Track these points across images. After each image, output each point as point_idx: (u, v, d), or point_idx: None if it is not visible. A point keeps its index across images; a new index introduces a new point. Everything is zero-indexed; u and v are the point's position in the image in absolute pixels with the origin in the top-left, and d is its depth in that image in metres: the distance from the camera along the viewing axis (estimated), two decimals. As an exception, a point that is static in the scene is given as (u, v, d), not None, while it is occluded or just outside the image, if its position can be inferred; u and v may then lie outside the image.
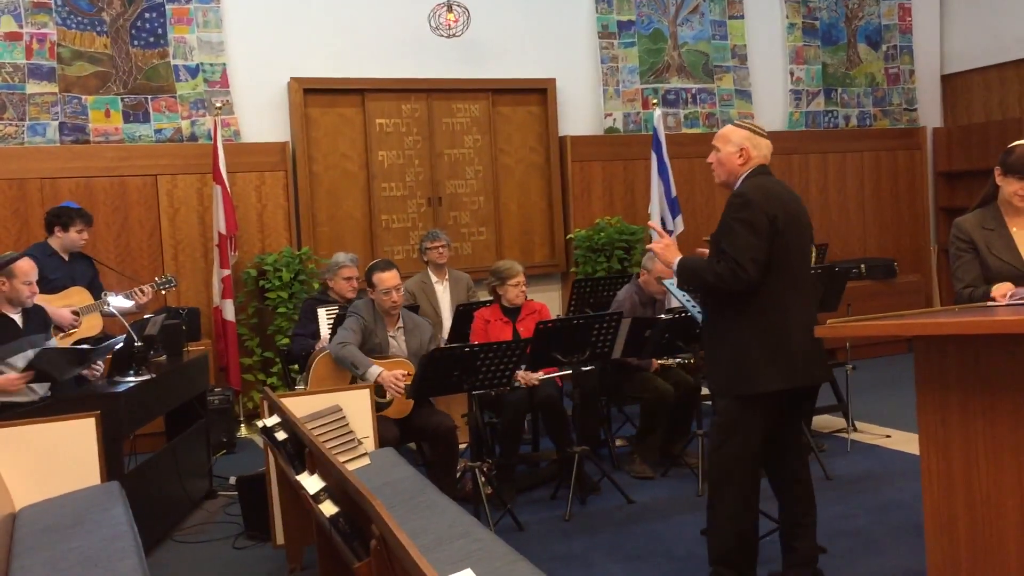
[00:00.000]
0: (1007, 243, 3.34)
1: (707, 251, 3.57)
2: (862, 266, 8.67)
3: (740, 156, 3.50)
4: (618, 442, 5.88)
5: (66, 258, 5.57)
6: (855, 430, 5.86)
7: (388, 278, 4.87)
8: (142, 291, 5.53)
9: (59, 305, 5.23)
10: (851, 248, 9.08)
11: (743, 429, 3.40)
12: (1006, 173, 3.35)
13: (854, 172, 9.20)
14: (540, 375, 5.02)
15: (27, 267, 4.60)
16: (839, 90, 9.25)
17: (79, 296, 5.40)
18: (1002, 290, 3.19)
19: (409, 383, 4.59)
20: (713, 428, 3.53)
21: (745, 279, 3.29)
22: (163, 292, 5.89)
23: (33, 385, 4.39)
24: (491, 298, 5.51)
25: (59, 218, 5.59)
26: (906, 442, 5.58)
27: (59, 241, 5.57)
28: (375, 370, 4.64)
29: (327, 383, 4.78)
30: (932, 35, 9.59)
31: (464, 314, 5.73)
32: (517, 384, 4.91)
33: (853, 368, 5.85)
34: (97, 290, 5.56)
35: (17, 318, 4.63)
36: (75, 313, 5.28)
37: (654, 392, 5.27)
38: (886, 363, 7.89)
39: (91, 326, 5.40)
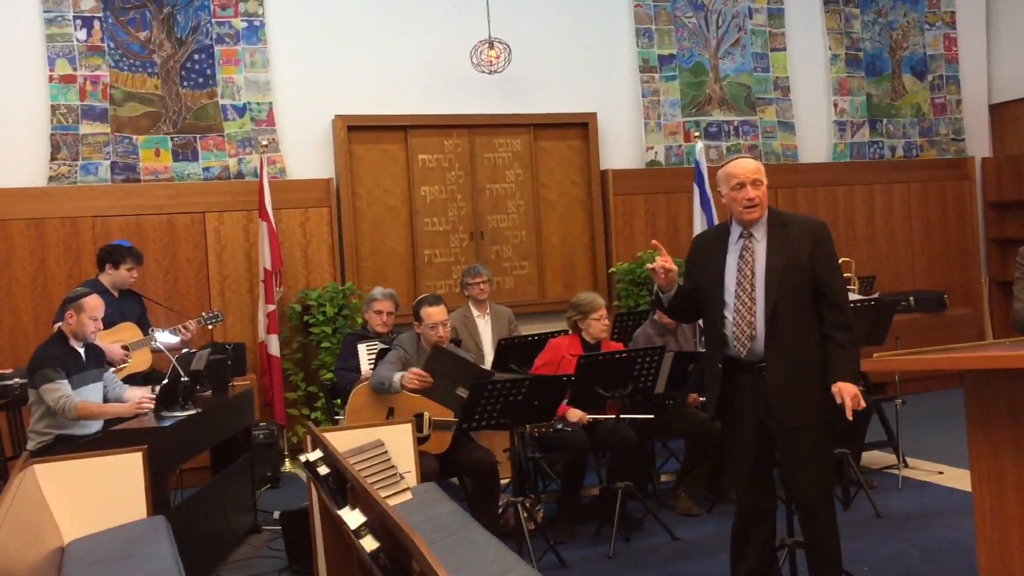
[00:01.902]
0: None
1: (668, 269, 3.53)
2: (911, 299, 8.52)
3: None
4: (663, 477, 5.81)
5: (116, 295, 5.67)
6: (906, 466, 5.73)
7: (435, 313, 4.89)
8: (186, 327, 5.62)
9: (110, 341, 5.33)
10: (900, 281, 8.94)
11: (831, 458, 3.55)
12: None
13: (901, 203, 9.08)
14: (582, 415, 4.95)
15: (96, 303, 4.77)
16: (884, 121, 9.16)
17: (128, 332, 5.50)
18: None
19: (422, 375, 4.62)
20: (809, 461, 3.44)
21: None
22: (210, 327, 5.97)
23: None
24: (534, 334, 5.49)
25: (111, 255, 5.70)
26: (959, 479, 5.44)
27: (109, 278, 5.67)
28: (398, 376, 4.67)
29: (363, 414, 4.81)
30: (979, 64, 9.48)
31: (506, 348, 5.72)
32: (560, 426, 4.88)
33: (903, 403, 5.74)
34: (145, 326, 5.65)
35: (82, 352, 4.78)
36: (125, 348, 5.38)
37: (699, 426, 5.20)
38: (938, 397, 7.72)
39: (140, 361, 5.50)
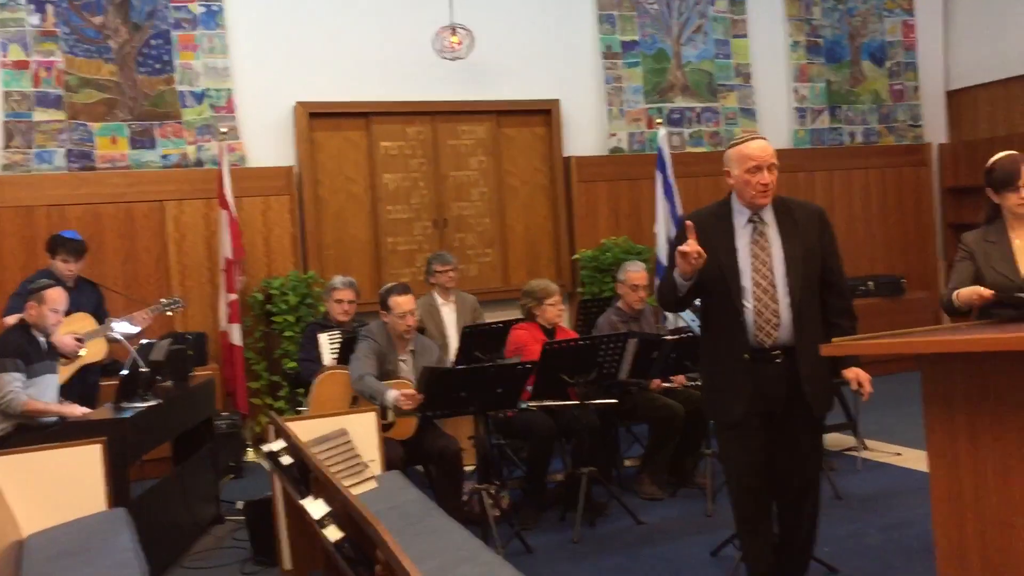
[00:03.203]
0: (1005, 255, 3.39)
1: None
2: (870, 283, 8.64)
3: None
4: (627, 463, 5.85)
5: (70, 285, 5.54)
6: (865, 448, 5.82)
7: (404, 302, 4.87)
8: (143, 317, 5.49)
9: (62, 332, 5.21)
10: (859, 265, 9.05)
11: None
12: (997, 190, 3.41)
13: (860, 189, 9.19)
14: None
15: (57, 295, 4.71)
16: (844, 107, 9.26)
17: (82, 322, 5.34)
18: (966, 294, 3.40)
19: (416, 396, 4.57)
20: (813, 447, 3.49)
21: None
22: (169, 314, 5.87)
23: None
24: (498, 321, 5.50)
25: (48, 245, 5.52)
26: (917, 460, 5.54)
27: (54, 268, 5.48)
28: (391, 395, 4.62)
29: (329, 405, 4.78)
30: (936, 51, 9.60)
31: (470, 336, 5.71)
32: (525, 406, 4.90)
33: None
34: (102, 316, 5.53)
35: (43, 341, 4.73)
36: (78, 339, 5.25)
37: (664, 411, 5.24)
38: (896, 380, 7.80)
39: (95, 351, 5.36)
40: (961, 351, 2.63)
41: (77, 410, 4.67)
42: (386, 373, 4.83)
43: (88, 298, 5.60)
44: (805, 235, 3.37)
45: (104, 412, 4.57)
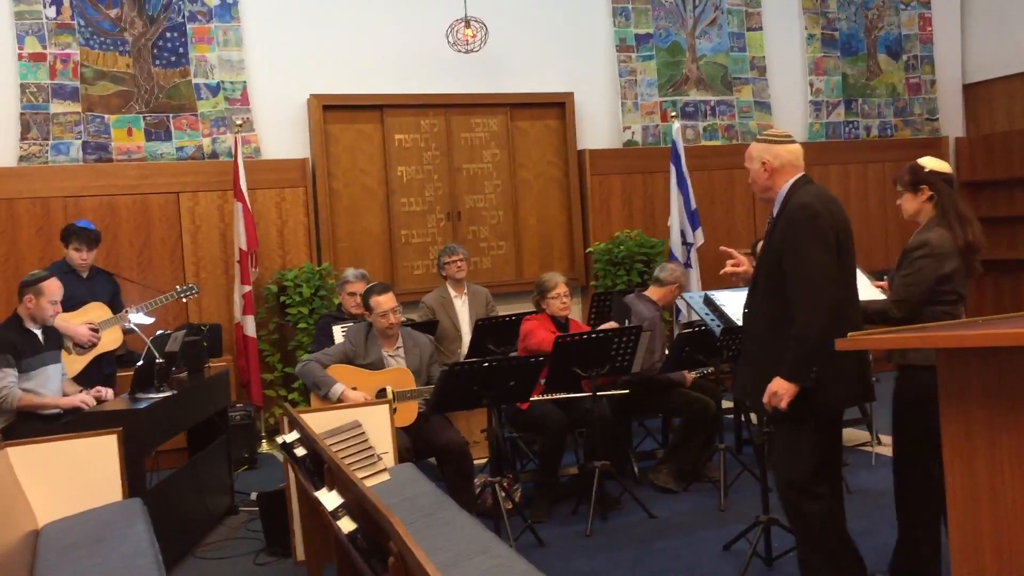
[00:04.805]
0: None
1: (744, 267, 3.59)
2: (885, 277, 8.58)
3: (764, 169, 3.44)
4: (640, 456, 5.84)
5: (84, 275, 5.58)
6: (879, 443, 5.79)
7: (384, 301, 4.89)
8: (157, 303, 5.56)
9: (78, 322, 5.26)
10: (875, 260, 8.98)
11: (806, 449, 3.31)
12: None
13: (876, 183, 9.13)
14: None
15: (54, 287, 4.71)
16: (859, 101, 9.20)
17: (97, 312, 5.40)
18: None
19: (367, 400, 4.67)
20: (786, 450, 3.39)
21: (829, 310, 3.17)
22: (184, 300, 5.88)
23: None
24: (511, 314, 5.51)
25: (62, 235, 5.58)
26: (931, 455, 5.50)
27: (68, 258, 5.54)
28: (337, 389, 4.74)
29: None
30: (953, 44, 9.52)
31: (483, 329, 5.72)
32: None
33: (876, 380, 5.76)
34: (118, 307, 5.57)
35: (39, 334, 4.72)
36: (94, 329, 5.30)
37: (698, 405, 5.28)
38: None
39: (111, 340, 5.41)
40: (979, 346, 2.61)
41: (75, 400, 4.66)
42: (370, 366, 4.90)
43: (103, 287, 5.65)
44: (775, 236, 3.33)
45: (120, 403, 4.60)
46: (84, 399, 4.65)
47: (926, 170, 3.60)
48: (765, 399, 3.23)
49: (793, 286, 3.21)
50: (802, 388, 3.19)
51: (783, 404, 3.19)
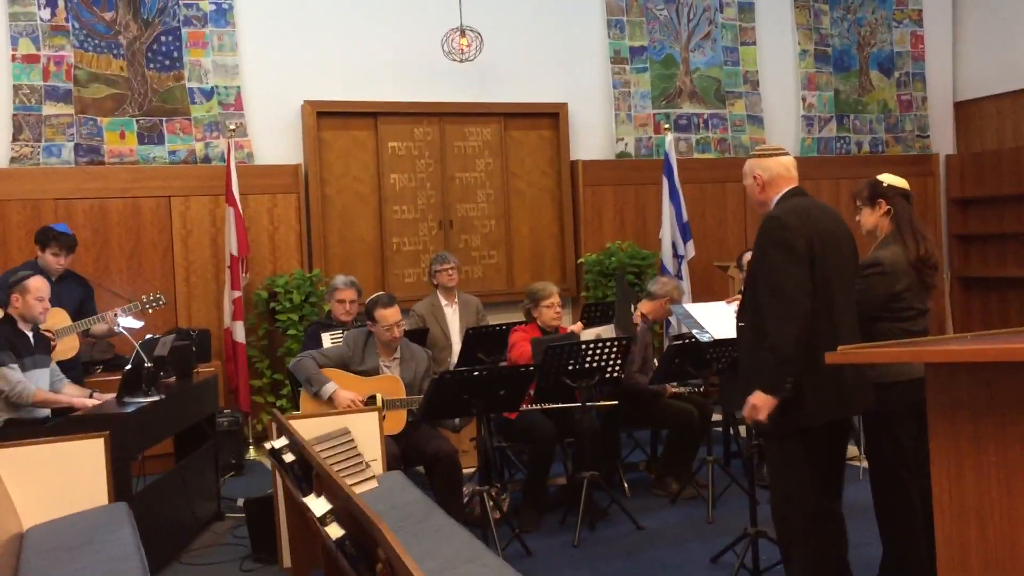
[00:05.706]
0: None
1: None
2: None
3: (757, 183, 3.45)
4: (628, 466, 5.85)
5: (52, 279, 5.27)
6: (866, 458, 5.79)
7: (390, 315, 4.88)
8: (123, 312, 5.38)
9: None
10: (863, 274, 9.04)
11: (794, 463, 3.28)
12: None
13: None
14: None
15: (39, 284, 4.68)
16: (851, 116, 9.25)
17: (55, 318, 5.15)
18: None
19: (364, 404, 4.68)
20: (773, 475, 3.41)
21: (800, 320, 3.14)
22: (149, 311, 5.66)
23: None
24: (501, 323, 5.51)
25: (38, 238, 5.46)
26: (919, 470, 5.51)
27: (42, 261, 5.41)
28: (329, 387, 4.74)
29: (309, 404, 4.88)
30: (945, 62, 9.58)
31: (474, 338, 5.71)
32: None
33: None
34: (88, 313, 5.42)
35: (30, 335, 4.71)
36: (50, 336, 5.05)
37: (683, 415, 5.31)
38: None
39: (67, 348, 5.23)
40: (969, 361, 2.62)
41: (88, 401, 4.65)
42: (361, 374, 4.90)
43: (71, 292, 5.49)
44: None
45: (107, 407, 4.58)
46: (95, 401, 4.64)
47: (884, 185, 3.66)
48: (745, 412, 3.23)
49: (764, 297, 3.20)
50: (781, 401, 3.16)
51: (761, 416, 3.16)
